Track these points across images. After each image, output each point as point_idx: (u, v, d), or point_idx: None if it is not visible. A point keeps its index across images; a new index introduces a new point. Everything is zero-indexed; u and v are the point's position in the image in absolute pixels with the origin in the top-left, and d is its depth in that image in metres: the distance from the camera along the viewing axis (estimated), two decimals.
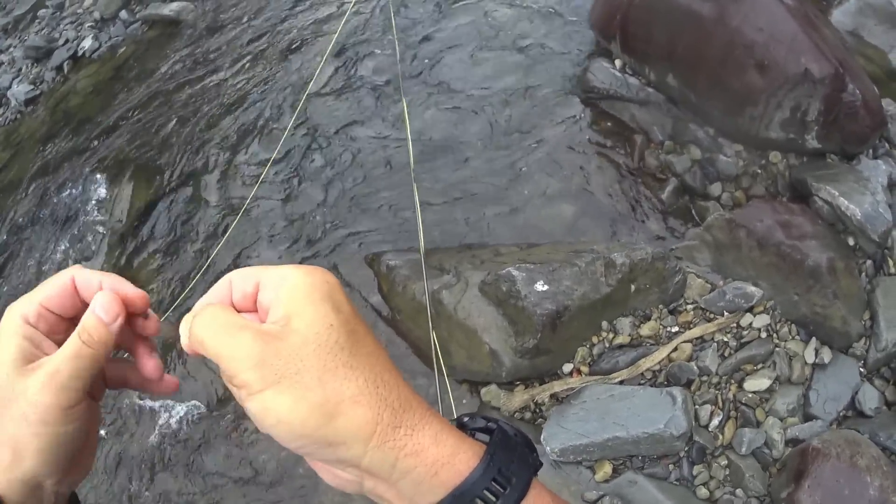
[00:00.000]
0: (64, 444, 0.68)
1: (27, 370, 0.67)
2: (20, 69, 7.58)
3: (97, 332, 0.69)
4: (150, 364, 0.77)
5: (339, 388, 0.60)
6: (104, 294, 0.71)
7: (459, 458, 0.62)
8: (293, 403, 0.59)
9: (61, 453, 0.68)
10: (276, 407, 0.60)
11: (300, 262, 4.17)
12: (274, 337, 0.62)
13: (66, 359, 0.67)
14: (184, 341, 0.67)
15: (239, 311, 0.68)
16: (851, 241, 3.85)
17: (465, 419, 0.70)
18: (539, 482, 0.66)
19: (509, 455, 0.64)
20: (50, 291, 0.71)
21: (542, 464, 0.67)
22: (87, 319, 0.69)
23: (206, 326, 0.64)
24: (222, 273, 4.39)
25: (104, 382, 0.77)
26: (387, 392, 0.62)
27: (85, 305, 0.72)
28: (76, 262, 4.95)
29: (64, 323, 0.73)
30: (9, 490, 0.67)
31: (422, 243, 4.05)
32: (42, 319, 0.71)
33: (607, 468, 3.32)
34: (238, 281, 0.69)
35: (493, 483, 0.62)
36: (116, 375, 0.78)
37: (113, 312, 0.70)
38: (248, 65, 5.97)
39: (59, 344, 0.70)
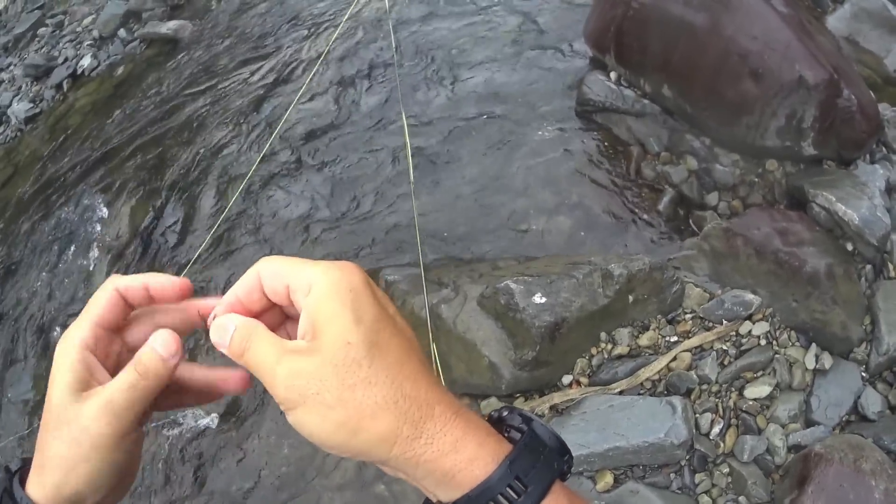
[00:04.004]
0: (112, 469, 0.71)
1: (82, 396, 0.69)
2: (20, 87, 7.71)
3: (154, 366, 0.70)
4: (235, 375, 0.78)
5: (359, 406, 0.63)
6: (165, 332, 0.72)
7: (477, 464, 0.64)
8: (319, 422, 0.63)
9: (108, 477, 0.71)
10: (306, 423, 0.64)
11: None
12: (299, 356, 0.64)
13: (121, 390, 0.69)
14: (218, 341, 0.69)
15: (269, 304, 0.72)
16: (850, 247, 3.84)
17: (505, 413, 0.72)
18: (562, 486, 0.68)
19: (533, 459, 0.66)
20: (100, 310, 0.73)
21: (569, 468, 0.69)
22: (144, 353, 0.71)
23: (241, 341, 0.67)
24: (224, 287, 4.47)
25: (155, 406, 0.78)
26: (406, 405, 0.64)
27: (130, 309, 0.76)
28: (76, 279, 5.01)
29: (117, 342, 0.76)
30: None
31: (421, 258, 4.08)
32: (99, 341, 0.72)
33: (608, 478, 3.32)
34: (268, 277, 0.70)
35: (508, 489, 0.63)
36: (168, 400, 0.78)
37: (172, 349, 0.71)
38: (245, 82, 6.04)
39: (113, 363, 0.74)
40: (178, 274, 4.58)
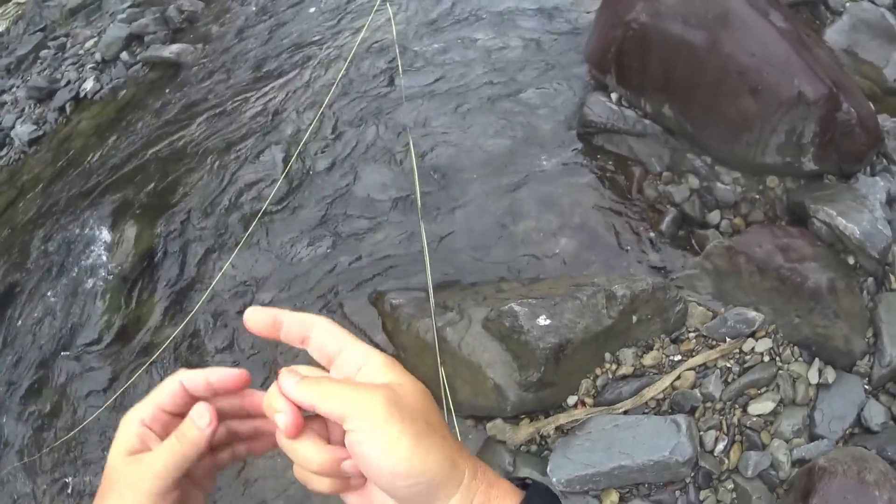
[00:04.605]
0: None
1: (131, 460, 0.80)
2: (23, 109, 7.74)
3: (190, 434, 0.79)
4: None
5: (443, 439, 0.75)
6: (201, 405, 0.81)
7: (510, 499, 0.77)
8: (415, 444, 0.71)
9: None
10: (401, 445, 0.71)
11: (300, 303, 4.32)
12: (389, 388, 0.75)
13: (162, 454, 0.79)
14: (294, 391, 0.76)
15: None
16: (851, 260, 3.87)
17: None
18: None
19: (543, 500, 0.80)
20: (163, 396, 0.82)
21: None
22: (184, 423, 0.81)
23: (330, 387, 0.76)
24: (223, 313, 4.51)
25: (216, 467, 0.90)
26: (462, 446, 0.78)
27: (194, 400, 0.83)
28: (79, 305, 5.09)
29: (178, 421, 0.83)
30: None
31: (430, 281, 4.14)
32: (156, 420, 0.82)
33: (614, 497, 3.36)
34: (322, 336, 0.81)
35: None
36: (228, 455, 0.90)
37: (206, 420, 0.80)
38: (248, 106, 6.09)
39: None
40: (184, 297, 4.70)
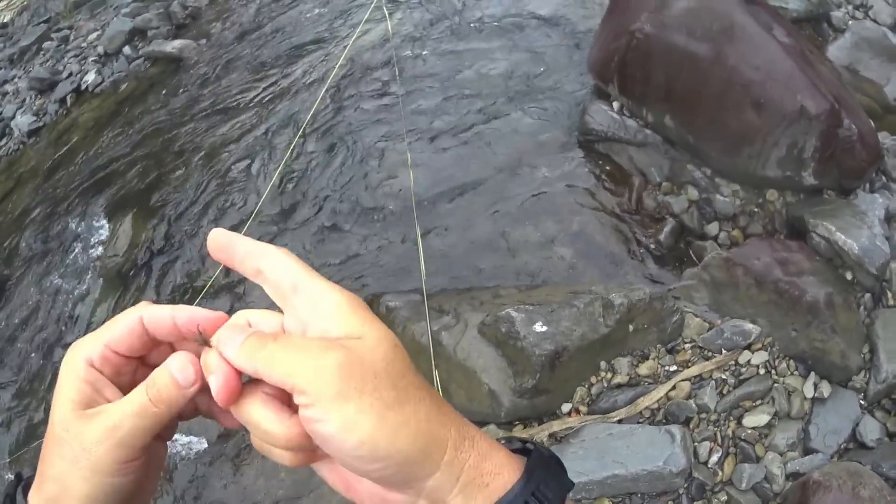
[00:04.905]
0: (113, 493, 0.65)
1: (85, 415, 0.64)
2: (24, 100, 7.72)
3: (168, 393, 0.64)
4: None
5: (416, 408, 0.60)
6: (183, 356, 0.65)
7: (506, 472, 0.64)
8: (378, 422, 0.58)
9: (109, 498, 0.65)
10: (359, 424, 0.57)
11: None
12: (348, 347, 0.59)
13: (129, 415, 0.64)
14: (234, 357, 0.62)
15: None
16: (849, 276, 3.87)
17: (503, 442, 0.70)
18: (571, 501, 0.72)
19: (546, 473, 0.65)
20: (116, 332, 0.67)
21: (573, 484, 0.69)
22: (159, 377, 0.65)
23: (277, 348, 0.61)
24: (219, 310, 4.50)
25: (178, 419, 0.71)
26: (448, 409, 0.63)
27: (156, 343, 0.69)
28: (74, 298, 5.06)
29: (132, 363, 0.69)
30: None
31: (424, 285, 4.13)
32: (107, 362, 0.67)
33: None
34: (275, 271, 0.65)
35: (532, 497, 0.63)
36: (191, 408, 0.71)
37: (190, 378, 0.64)
38: (247, 103, 6.09)
39: (125, 386, 0.68)
40: (188, 301, 4.68)
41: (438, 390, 3.71)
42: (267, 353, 0.60)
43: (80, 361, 0.66)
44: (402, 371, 0.61)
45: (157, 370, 0.65)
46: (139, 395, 0.64)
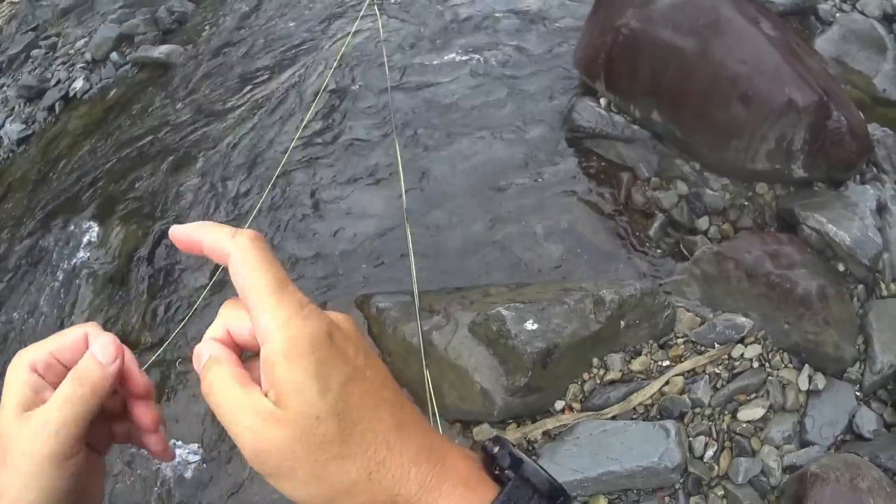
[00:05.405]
0: (57, 500, 0.65)
1: (23, 416, 0.64)
2: (13, 108, 7.67)
3: (91, 373, 0.66)
4: (148, 415, 0.72)
5: (333, 483, 0.59)
6: (103, 336, 0.68)
7: None
8: (291, 492, 0.60)
9: None
10: (280, 488, 0.60)
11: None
12: (268, 424, 0.59)
13: (57, 405, 0.64)
14: (197, 368, 0.65)
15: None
16: (842, 267, 3.86)
17: (496, 450, 0.67)
18: None
19: None
20: (62, 343, 0.68)
21: None
22: (81, 361, 0.67)
23: (207, 384, 0.62)
24: (210, 319, 4.47)
25: (111, 435, 0.74)
26: (380, 475, 0.60)
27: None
28: (64, 307, 5.01)
29: None
30: None
31: (415, 285, 4.10)
32: (51, 369, 0.67)
33: (602, 502, 3.32)
34: (234, 279, 0.64)
35: None
36: (124, 430, 0.74)
37: (110, 354, 0.67)
38: (236, 109, 6.05)
39: None
40: (170, 302, 4.63)
41: (430, 391, 3.68)
42: (212, 396, 0.62)
43: (23, 367, 0.67)
44: (326, 445, 0.59)
45: (81, 359, 0.68)
46: (66, 382, 0.66)
